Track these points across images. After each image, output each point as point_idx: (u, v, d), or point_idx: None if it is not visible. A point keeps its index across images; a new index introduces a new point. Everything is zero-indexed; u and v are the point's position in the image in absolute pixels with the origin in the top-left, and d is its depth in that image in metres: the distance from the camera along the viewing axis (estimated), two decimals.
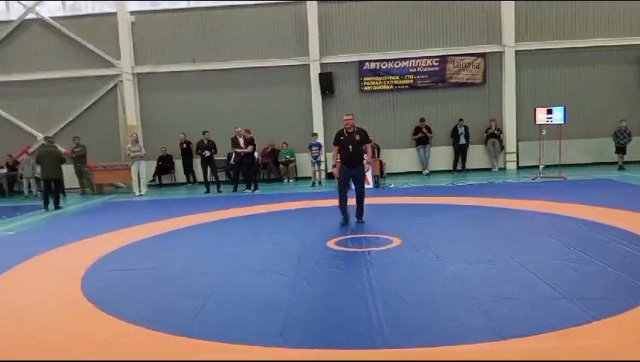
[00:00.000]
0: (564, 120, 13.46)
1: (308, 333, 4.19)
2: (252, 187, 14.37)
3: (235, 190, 14.50)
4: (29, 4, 16.87)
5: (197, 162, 16.52)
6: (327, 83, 16.34)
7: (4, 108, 17.13)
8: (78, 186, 16.11)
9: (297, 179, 16.54)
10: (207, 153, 14.39)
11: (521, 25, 16.19)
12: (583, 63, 16.28)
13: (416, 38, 16.49)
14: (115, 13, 16.72)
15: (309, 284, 5.43)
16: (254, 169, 14.70)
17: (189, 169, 16.71)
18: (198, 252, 7.32)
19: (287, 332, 4.18)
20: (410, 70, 16.52)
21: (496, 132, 16.22)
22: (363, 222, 8.50)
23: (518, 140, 16.46)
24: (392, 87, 16.65)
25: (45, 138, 13.80)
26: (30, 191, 15.86)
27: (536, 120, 13.72)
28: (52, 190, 12.73)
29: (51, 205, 12.71)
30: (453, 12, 16.38)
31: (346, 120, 8.37)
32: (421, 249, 6.73)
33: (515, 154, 16.50)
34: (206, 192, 14.37)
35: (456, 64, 16.46)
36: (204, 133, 14.65)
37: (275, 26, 16.67)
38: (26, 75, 16.96)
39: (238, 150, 14.16)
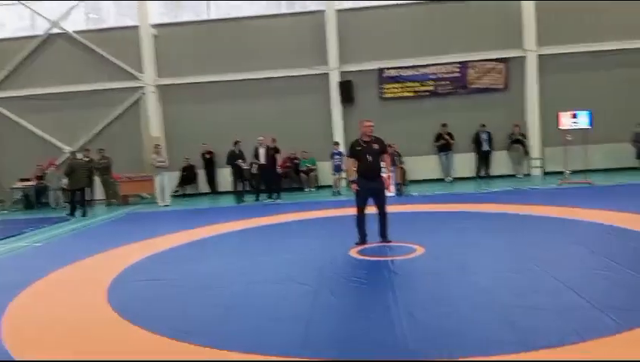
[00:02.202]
0: (591, 124, 13.18)
1: (330, 344, 4.15)
2: (274, 196, 14.42)
3: (257, 199, 14.59)
4: (54, 18, 17.26)
5: (220, 172, 16.75)
6: (346, 91, 16.35)
7: (31, 121, 17.50)
8: (104, 198, 16.35)
9: (318, 187, 16.54)
10: (240, 162, 14.48)
11: (543, 28, 15.97)
12: (610, 66, 15.93)
13: (436, 44, 16.38)
14: (138, 26, 17.01)
15: (331, 294, 5.40)
16: (276, 178, 14.74)
17: (211, 179, 16.86)
18: (221, 262, 7.35)
19: (309, 343, 4.15)
20: (431, 76, 16.43)
21: (520, 137, 16.00)
22: (389, 241, 7.59)
23: (543, 146, 16.20)
24: (412, 93, 16.57)
25: (72, 153, 14.33)
26: (57, 203, 16.14)
27: (560, 125, 13.48)
28: (79, 199, 13.60)
29: (78, 213, 13.50)
30: (474, 17, 16.25)
31: (367, 126, 7.58)
32: (445, 258, 6.65)
33: (540, 160, 16.23)
34: (237, 203, 14.41)
35: (477, 70, 16.31)
36: (235, 142, 14.73)
37: (295, 35, 16.76)
38: (52, 89, 17.32)
39: (259, 162, 14.31)
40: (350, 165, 7.82)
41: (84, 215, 13.51)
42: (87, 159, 15.95)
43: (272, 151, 14.41)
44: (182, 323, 4.85)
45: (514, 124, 16.07)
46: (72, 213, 13.49)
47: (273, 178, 14.60)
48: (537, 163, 16.21)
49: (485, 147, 16.02)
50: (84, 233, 11.12)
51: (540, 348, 3.77)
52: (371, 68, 16.58)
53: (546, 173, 16.01)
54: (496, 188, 13.82)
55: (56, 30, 17.38)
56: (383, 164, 7.93)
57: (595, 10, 15.78)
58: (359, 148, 7.58)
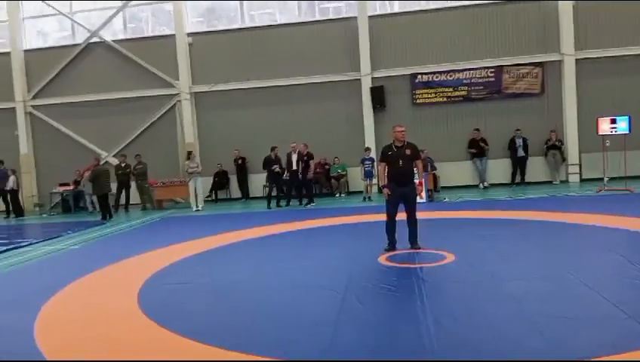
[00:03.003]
0: (629, 130, 12.79)
1: (356, 351, 4.11)
2: (304, 201, 14.49)
3: (287, 204, 14.67)
4: (94, 27, 17.79)
5: (252, 177, 16.93)
6: (378, 97, 16.30)
7: (70, 127, 18.08)
8: (140, 202, 16.71)
9: (349, 193, 16.51)
10: (276, 168, 14.59)
11: (581, 32, 15.58)
12: None
13: (470, 49, 16.19)
14: (174, 35, 17.37)
15: (358, 301, 5.36)
16: (307, 183, 14.79)
17: (243, 184, 17.03)
18: (250, 266, 7.40)
19: (334, 349, 4.13)
20: (464, 81, 16.23)
21: (557, 143, 15.62)
22: (419, 248, 7.50)
23: (580, 152, 15.77)
24: (445, 99, 16.40)
25: (96, 159, 15.30)
26: (94, 208, 16.56)
27: (599, 130, 13.12)
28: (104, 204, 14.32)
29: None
30: (509, 21, 16.00)
31: (399, 131, 7.50)
32: (476, 265, 6.52)
33: (578, 166, 15.81)
34: (269, 208, 14.49)
35: (512, 74, 16.03)
36: (272, 148, 14.83)
37: (327, 42, 16.82)
38: (90, 96, 17.89)
39: (294, 166, 14.41)
40: (382, 170, 7.79)
41: (104, 218, 14.05)
42: (124, 165, 16.48)
43: (306, 157, 14.49)
44: (209, 327, 4.89)
45: (550, 130, 15.70)
46: (104, 218, 14.01)
47: (305, 184, 14.65)
48: (575, 169, 15.80)
49: (521, 153, 15.70)
50: (119, 237, 11.36)
51: (572, 359, 3.66)
52: (403, 73, 16.49)
53: (583, 180, 15.60)
54: (532, 194, 13.52)
55: (95, 39, 17.91)
56: (415, 170, 7.89)
57: (634, 13, 15.32)
58: (391, 153, 7.56)
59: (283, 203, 14.84)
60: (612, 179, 13.52)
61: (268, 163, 14.72)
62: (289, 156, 14.65)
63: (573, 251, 7.08)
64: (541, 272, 5.99)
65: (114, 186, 16.45)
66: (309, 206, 14.29)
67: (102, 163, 17.42)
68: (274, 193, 14.91)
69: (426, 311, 4.87)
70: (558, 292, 5.27)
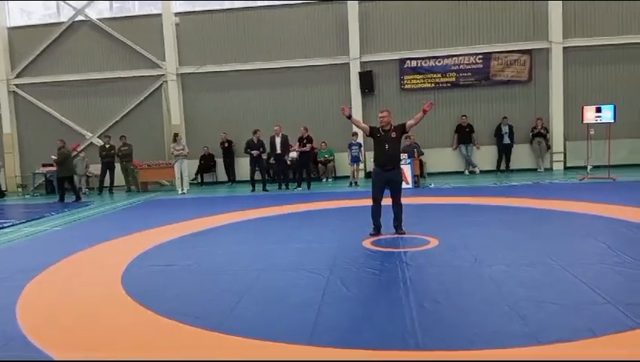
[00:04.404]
0: (614, 119, 12.93)
1: (339, 333, 4.15)
2: (303, 184, 14.66)
3: (280, 187, 14.76)
4: (79, 5, 17.46)
5: (239, 161, 16.84)
6: (367, 81, 16.24)
7: (54, 107, 17.79)
8: (124, 184, 16.57)
9: (336, 178, 16.52)
10: (255, 153, 14.53)
11: (570, 20, 15.63)
12: (636, 59, 15.56)
13: (459, 35, 16.16)
14: (160, 14, 17.10)
15: (342, 284, 5.40)
16: (304, 167, 14.82)
17: (229, 168, 16.95)
18: (235, 249, 7.41)
19: (318, 331, 4.16)
20: (453, 68, 16.22)
21: (542, 131, 15.73)
22: (403, 233, 7.57)
23: (565, 140, 15.92)
24: (433, 85, 16.39)
25: (62, 141, 14.96)
26: (80, 189, 16.37)
27: (584, 119, 13.23)
28: (70, 186, 14.68)
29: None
30: (498, 7, 15.97)
31: (381, 117, 7.59)
32: (459, 250, 6.59)
33: (562, 154, 15.95)
34: (252, 191, 14.48)
35: (500, 61, 16.05)
36: (254, 132, 14.76)
37: (316, 25, 16.68)
38: (75, 76, 17.58)
39: (294, 151, 14.51)
40: (362, 123, 8.47)
41: (77, 199, 14.28)
42: (108, 146, 16.34)
43: (305, 141, 14.57)
44: (194, 308, 4.90)
45: (537, 118, 15.80)
46: (61, 199, 14.27)
47: (305, 168, 14.77)
48: (559, 157, 15.94)
49: (506, 140, 15.80)
50: (103, 218, 11.29)
51: (551, 342, 3.73)
52: (392, 58, 16.44)
53: (567, 168, 15.75)
54: (516, 181, 13.64)
55: (80, 18, 17.58)
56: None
57: (622, 2, 15.39)
58: (378, 135, 7.55)
59: (269, 187, 14.79)
60: (596, 167, 13.68)
61: (249, 146, 14.65)
62: (272, 140, 14.60)
63: (555, 237, 7.16)
64: (523, 258, 6.06)
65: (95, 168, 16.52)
66: (296, 189, 14.30)
67: (86, 144, 17.34)
68: (258, 177, 14.86)
69: (409, 294, 4.92)
70: (539, 277, 5.34)
